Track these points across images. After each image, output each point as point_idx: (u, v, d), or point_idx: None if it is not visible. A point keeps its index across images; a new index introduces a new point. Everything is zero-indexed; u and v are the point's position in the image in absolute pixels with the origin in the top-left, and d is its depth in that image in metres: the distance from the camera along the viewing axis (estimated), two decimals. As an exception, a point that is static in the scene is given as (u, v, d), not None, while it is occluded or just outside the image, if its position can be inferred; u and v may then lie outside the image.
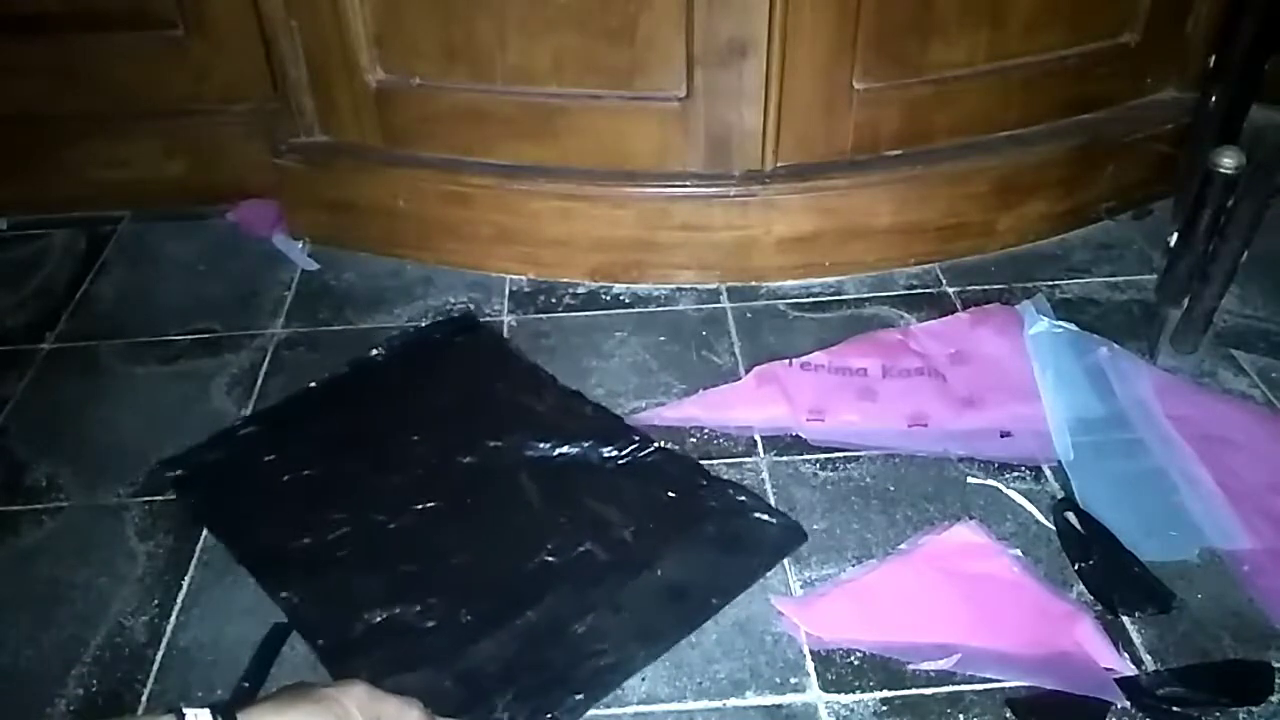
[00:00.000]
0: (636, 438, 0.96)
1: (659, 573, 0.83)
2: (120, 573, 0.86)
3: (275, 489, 0.92)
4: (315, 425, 1.00)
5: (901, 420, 0.97)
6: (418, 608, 0.81)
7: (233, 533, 0.89)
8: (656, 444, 0.96)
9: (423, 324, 1.13)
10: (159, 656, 0.79)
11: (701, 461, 0.94)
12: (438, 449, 0.96)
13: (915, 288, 1.18)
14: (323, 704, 0.58)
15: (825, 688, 0.74)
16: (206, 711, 0.54)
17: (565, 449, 0.95)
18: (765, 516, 0.88)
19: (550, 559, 0.85)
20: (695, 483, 0.92)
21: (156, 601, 0.83)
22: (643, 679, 0.75)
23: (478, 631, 0.78)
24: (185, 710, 0.54)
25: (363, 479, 0.93)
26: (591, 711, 0.73)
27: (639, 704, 0.74)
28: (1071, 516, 0.87)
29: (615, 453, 0.95)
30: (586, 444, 0.96)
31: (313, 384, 1.05)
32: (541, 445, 0.96)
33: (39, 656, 0.79)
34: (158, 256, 1.28)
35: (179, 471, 0.94)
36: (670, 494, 0.91)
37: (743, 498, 0.90)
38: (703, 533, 0.87)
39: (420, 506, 0.90)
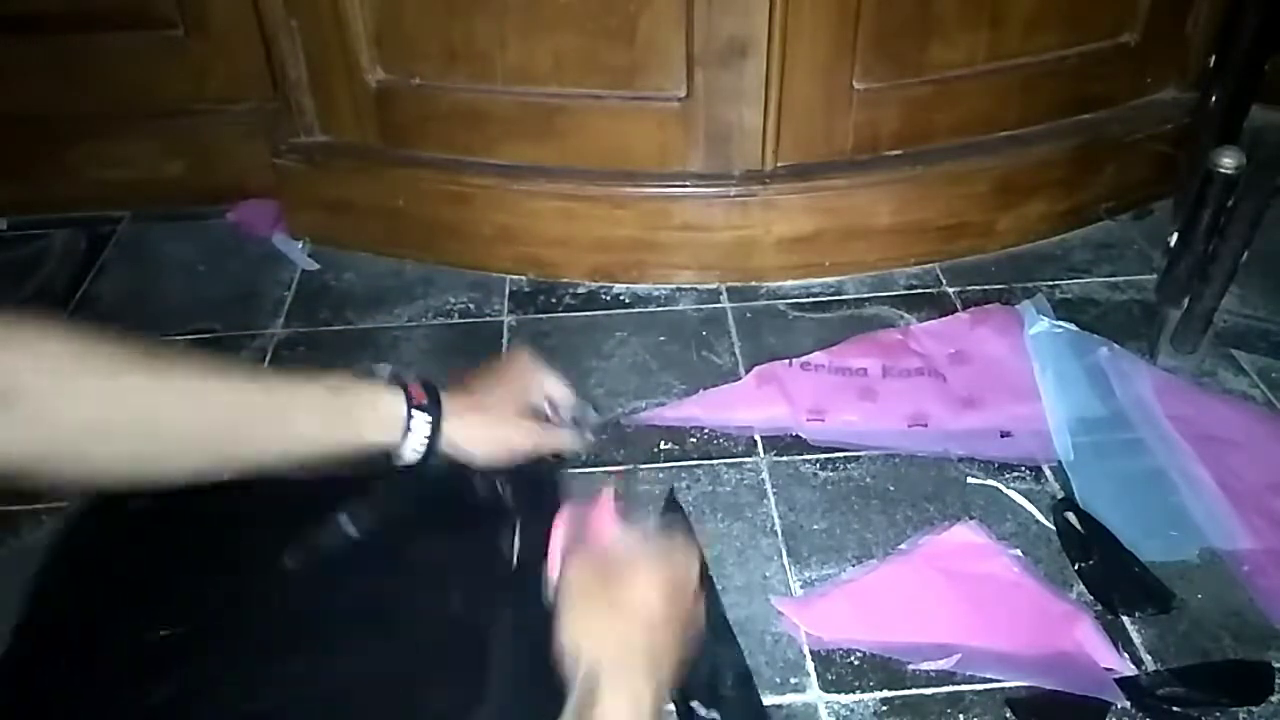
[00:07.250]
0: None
1: None
2: (120, 573, 0.85)
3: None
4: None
5: (901, 420, 0.97)
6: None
7: None
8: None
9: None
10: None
11: (701, 461, 0.94)
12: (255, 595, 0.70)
13: (915, 288, 1.18)
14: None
15: (825, 688, 0.74)
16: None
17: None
18: None
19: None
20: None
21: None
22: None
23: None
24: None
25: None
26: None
27: (639, 704, 0.74)
28: (1071, 516, 0.87)
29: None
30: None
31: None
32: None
33: (39, 657, 0.78)
34: (158, 256, 1.28)
35: None
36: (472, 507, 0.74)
37: None
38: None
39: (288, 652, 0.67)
